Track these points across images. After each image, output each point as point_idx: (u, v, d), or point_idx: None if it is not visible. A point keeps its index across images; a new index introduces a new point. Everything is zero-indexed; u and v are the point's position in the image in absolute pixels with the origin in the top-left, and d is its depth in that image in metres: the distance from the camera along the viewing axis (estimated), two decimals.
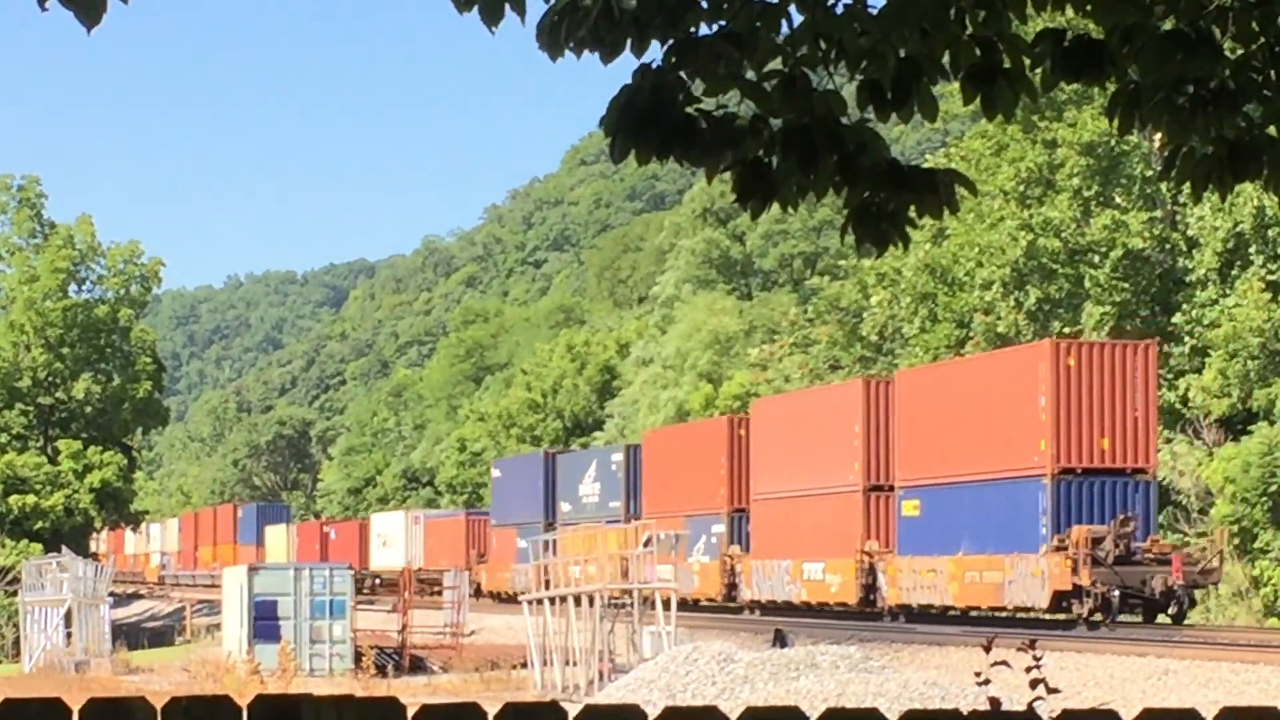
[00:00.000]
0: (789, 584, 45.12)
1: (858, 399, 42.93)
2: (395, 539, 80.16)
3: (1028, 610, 37.30)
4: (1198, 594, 38.19)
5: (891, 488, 41.41)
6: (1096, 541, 34.70)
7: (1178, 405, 45.29)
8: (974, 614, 39.95)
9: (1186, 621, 36.59)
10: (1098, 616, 34.96)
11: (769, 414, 48.17)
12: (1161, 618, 36.00)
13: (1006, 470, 36.97)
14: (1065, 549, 34.86)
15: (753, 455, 47.62)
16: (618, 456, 57.62)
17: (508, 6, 5.46)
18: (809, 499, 43.73)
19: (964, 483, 38.18)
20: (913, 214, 5.81)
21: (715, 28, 5.51)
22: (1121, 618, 35.66)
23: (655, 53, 5.54)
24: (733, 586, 48.07)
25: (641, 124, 5.49)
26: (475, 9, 5.48)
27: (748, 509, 47.59)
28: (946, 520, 38.73)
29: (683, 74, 5.50)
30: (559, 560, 40.06)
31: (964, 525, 38.02)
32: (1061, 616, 36.35)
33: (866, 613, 42.15)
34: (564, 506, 60.58)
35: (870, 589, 41.91)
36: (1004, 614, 38.90)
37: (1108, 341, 39.33)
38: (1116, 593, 34.50)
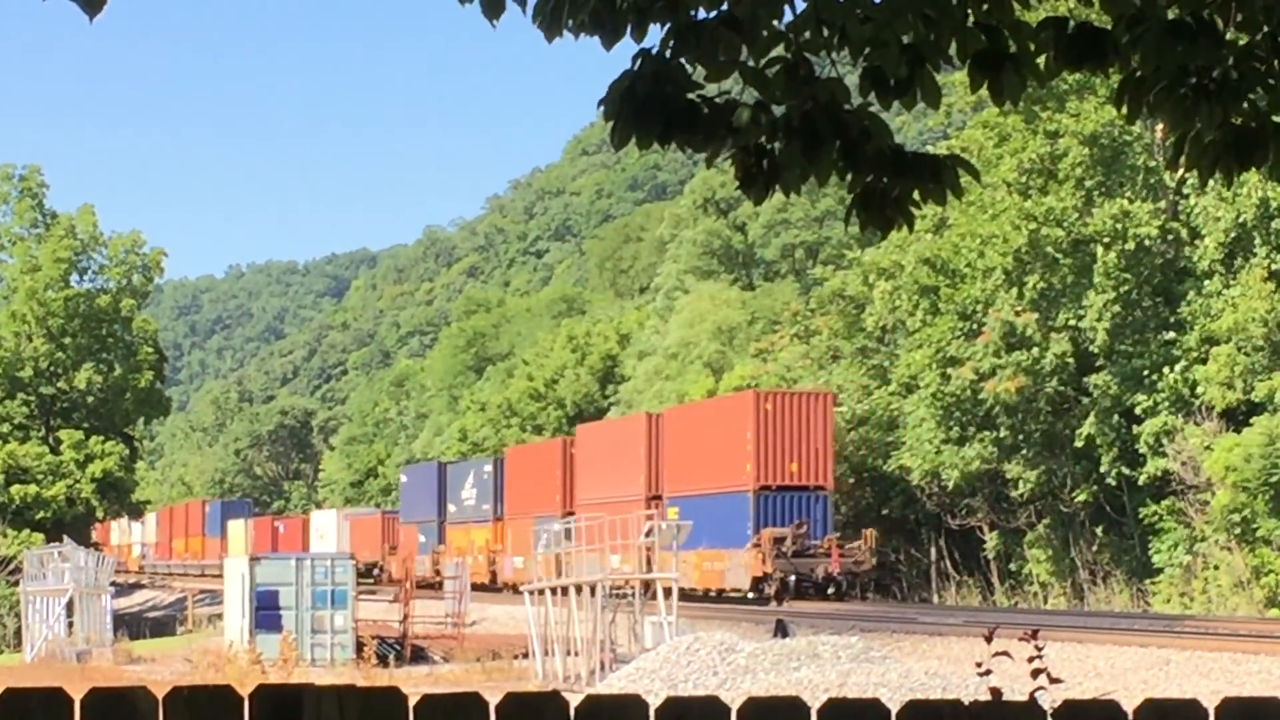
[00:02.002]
0: (599, 572, 53.30)
1: (642, 428, 54.09)
2: (329, 533, 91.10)
3: (739, 591, 47.27)
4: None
5: (661, 498, 51.95)
6: (779, 540, 45.74)
7: (1186, 394, 45.18)
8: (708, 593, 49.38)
9: (1187, 612, 38.79)
10: (781, 595, 45.12)
11: (588, 438, 59.93)
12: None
13: (726, 486, 48.08)
14: (759, 545, 45.79)
15: (577, 470, 59.01)
16: (488, 468, 68.74)
17: None
18: (612, 504, 51.53)
19: (703, 495, 49.37)
20: (916, 197, 5.79)
21: (716, 13, 5.46)
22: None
23: (656, 37, 5.51)
24: (562, 574, 53.29)
25: (642, 110, 5.45)
26: (475, 1, 5.46)
27: (575, 512, 55.50)
28: (694, 523, 47.42)
29: (684, 60, 5.45)
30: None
31: (704, 527, 47.23)
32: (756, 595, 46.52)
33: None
34: (451, 508, 71.98)
35: None
36: (730, 593, 48.41)
37: (795, 392, 51.01)
38: (793, 578, 45.58)
